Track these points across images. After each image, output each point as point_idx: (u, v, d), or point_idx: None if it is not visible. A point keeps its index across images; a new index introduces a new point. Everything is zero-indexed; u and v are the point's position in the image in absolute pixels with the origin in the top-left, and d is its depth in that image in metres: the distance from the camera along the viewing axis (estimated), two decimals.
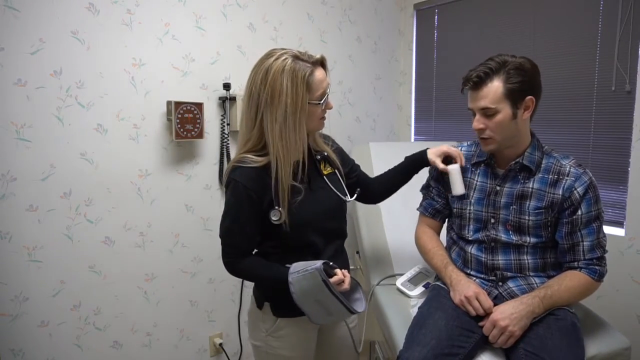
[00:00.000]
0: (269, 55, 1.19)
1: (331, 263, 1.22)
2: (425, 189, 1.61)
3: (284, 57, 1.16)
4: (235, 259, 1.26)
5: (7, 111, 1.53)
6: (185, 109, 1.83)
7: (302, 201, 1.23)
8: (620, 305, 1.86)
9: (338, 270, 1.22)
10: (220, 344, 2.12)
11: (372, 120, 2.65)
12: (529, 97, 1.30)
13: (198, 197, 2.01)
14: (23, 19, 1.53)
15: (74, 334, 1.73)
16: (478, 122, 1.33)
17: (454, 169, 1.41)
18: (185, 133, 1.84)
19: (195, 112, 1.86)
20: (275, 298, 1.30)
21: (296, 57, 1.17)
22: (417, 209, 1.64)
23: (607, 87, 1.91)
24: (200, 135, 1.89)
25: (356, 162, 1.52)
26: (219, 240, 1.27)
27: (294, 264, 1.21)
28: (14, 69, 1.53)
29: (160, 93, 1.85)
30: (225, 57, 2.02)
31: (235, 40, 2.04)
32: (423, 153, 1.48)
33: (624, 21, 1.84)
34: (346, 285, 1.22)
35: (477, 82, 1.29)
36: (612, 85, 1.89)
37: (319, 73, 1.19)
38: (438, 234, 1.61)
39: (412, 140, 2.76)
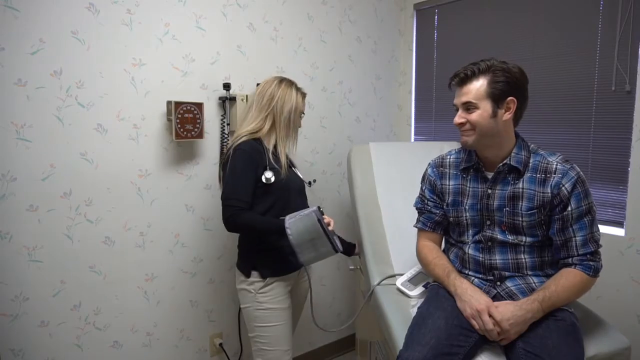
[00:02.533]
0: (276, 77, 1.73)
1: (321, 208, 1.55)
2: (420, 204, 1.60)
3: (287, 81, 1.73)
4: (238, 212, 1.54)
5: (7, 111, 1.53)
6: (185, 109, 1.83)
7: (288, 173, 1.68)
8: (620, 305, 1.86)
9: (326, 216, 1.59)
10: (220, 344, 2.13)
11: (372, 120, 2.65)
12: (511, 98, 1.33)
13: (198, 197, 2.01)
14: (23, 19, 1.53)
15: (74, 334, 1.73)
16: (459, 117, 1.39)
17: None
18: (185, 133, 1.84)
19: (195, 112, 1.86)
20: (261, 264, 1.65)
21: (295, 84, 1.74)
22: (415, 226, 1.63)
23: (607, 87, 1.91)
24: (200, 135, 1.89)
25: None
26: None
27: (288, 215, 1.56)
28: (14, 69, 1.53)
29: (160, 93, 1.85)
30: (225, 57, 2.02)
31: (235, 40, 2.04)
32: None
33: (624, 21, 1.84)
34: (332, 227, 1.60)
35: (463, 79, 1.36)
36: (612, 85, 1.89)
37: (304, 98, 1.76)
38: (439, 246, 1.60)
39: (412, 140, 2.76)
